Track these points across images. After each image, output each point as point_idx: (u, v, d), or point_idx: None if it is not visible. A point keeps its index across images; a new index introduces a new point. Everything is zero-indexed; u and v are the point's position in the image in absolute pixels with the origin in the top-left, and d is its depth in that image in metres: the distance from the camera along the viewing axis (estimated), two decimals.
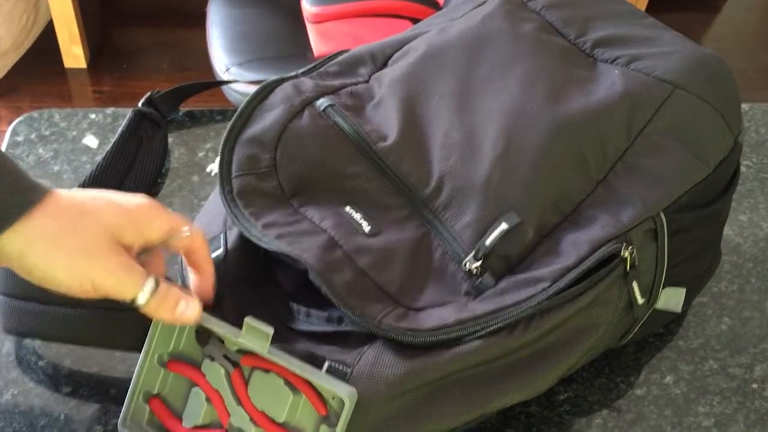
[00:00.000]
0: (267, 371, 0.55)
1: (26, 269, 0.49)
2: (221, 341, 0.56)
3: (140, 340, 0.60)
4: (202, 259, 0.56)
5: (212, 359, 0.57)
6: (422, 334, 0.55)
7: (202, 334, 0.57)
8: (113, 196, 0.52)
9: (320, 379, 0.53)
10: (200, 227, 0.65)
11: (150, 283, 0.51)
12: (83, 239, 0.49)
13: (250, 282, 0.62)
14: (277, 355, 0.53)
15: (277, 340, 0.58)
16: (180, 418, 0.57)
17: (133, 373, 0.65)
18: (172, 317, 0.53)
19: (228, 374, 0.56)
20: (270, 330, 0.53)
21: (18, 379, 0.64)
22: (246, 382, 0.56)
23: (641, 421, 0.65)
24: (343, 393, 0.52)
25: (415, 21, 1.49)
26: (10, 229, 0.47)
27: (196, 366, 0.57)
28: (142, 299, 0.51)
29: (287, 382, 0.54)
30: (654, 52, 0.66)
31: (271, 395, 0.55)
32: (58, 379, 0.64)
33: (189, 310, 0.53)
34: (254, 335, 0.53)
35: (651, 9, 2.45)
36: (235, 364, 0.56)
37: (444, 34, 0.69)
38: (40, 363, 0.65)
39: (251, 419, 0.55)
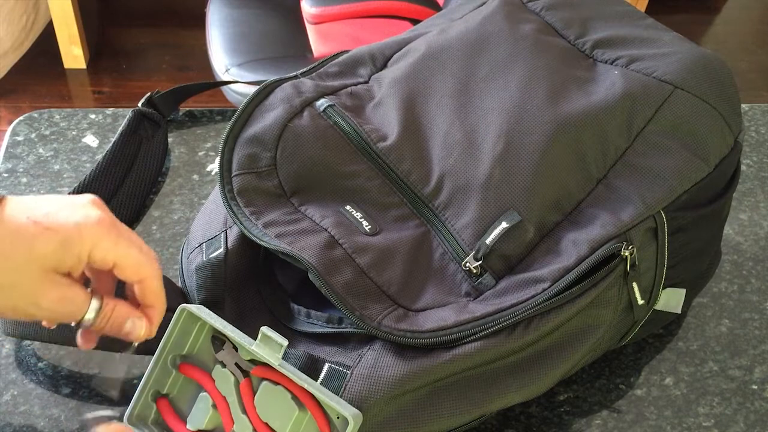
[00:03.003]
0: (276, 384, 0.55)
1: None
2: (235, 349, 0.57)
3: (141, 343, 0.60)
4: (151, 297, 0.53)
5: (223, 366, 0.57)
6: (422, 336, 0.54)
7: (217, 340, 0.57)
8: (57, 211, 0.48)
9: (327, 397, 0.53)
10: (200, 227, 0.65)
11: (94, 304, 0.50)
12: (13, 275, 0.46)
13: (250, 282, 0.62)
14: (287, 368, 0.54)
15: None
16: (185, 421, 0.57)
17: (133, 374, 0.65)
18: (119, 335, 0.52)
19: (237, 382, 0.56)
20: (284, 342, 0.53)
21: (18, 380, 0.64)
22: (254, 393, 0.56)
23: (641, 421, 0.65)
24: (348, 413, 0.52)
25: (414, 22, 1.49)
26: None
27: (207, 371, 0.57)
28: (86, 322, 0.50)
29: (294, 397, 0.54)
30: (654, 52, 0.66)
31: (277, 408, 0.55)
32: (57, 380, 0.64)
33: (136, 329, 0.52)
34: (268, 345, 0.54)
35: (651, 10, 2.45)
36: (246, 374, 0.56)
37: (444, 35, 0.69)
38: (40, 364, 0.65)
39: (254, 430, 0.55)
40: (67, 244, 0.47)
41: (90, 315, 0.50)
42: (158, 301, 0.53)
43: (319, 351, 0.58)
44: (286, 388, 0.55)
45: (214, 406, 0.57)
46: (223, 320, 0.56)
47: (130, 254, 0.50)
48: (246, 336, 0.55)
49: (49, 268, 0.47)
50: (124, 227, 0.51)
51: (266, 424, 0.55)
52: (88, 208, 0.49)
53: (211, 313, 0.57)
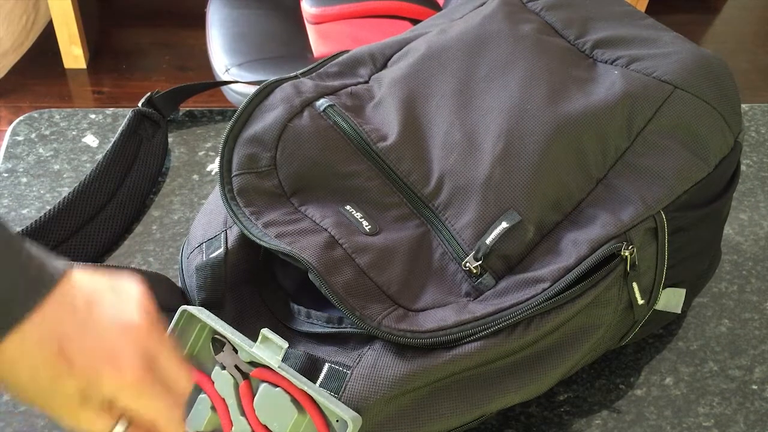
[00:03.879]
0: (275, 386, 0.55)
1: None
2: (235, 351, 0.56)
3: None
4: None
5: (223, 368, 0.57)
6: (422, 336, 0.54)
7: (217, 342, 0.57)
8: (94, 345, 0.45)
9: (326, 399, 0.53)
10: (200, 227, 0.65)
11: (119, 429, 0.46)
12: (51, 393, 0.44)
13: (251, 282, 0.62)
14: (287, 370, 0.54)
15: None
16: (184, 422, 0.57)
17: None
18: None
19: (236, 384, 0.56)
20: (284, 344, 0.53)
21: None
22: (253, 395, 0.56)
23: (641, 421, 0.65)
24: (347, 416, 0.52)
25: (414, 22, 1.49)
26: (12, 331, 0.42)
27: (207, 373, 0.57)
28: None
29: (293, 400, 0.54)
30: (654, 53, 0.66)
31: (276, 410, 0.55)
32: None
33: None
34: (268, 347, 0.54)
35: (651, 10, 2.45)
36: (245, 376, 0.56)
37: (444, 35, 0.69)
38: None
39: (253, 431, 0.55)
40: (87, 390, 0.45)
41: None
42: None
43: (319, 351, 0.58)
44: (286, 391, 0.54)
45: (213, 408, 0.57)
46: (223, 322, 0.56)
47: (150, 408, 0.47)
48: (246, 338, 0.55)
49: (85, 398, 0.45)
50: (162, 371, 0.47)
51: (265, 426, 0.55)
52: (130, 347, 0.46)
53: (211, 314, 0.57)
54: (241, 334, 0.55)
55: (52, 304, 0.44)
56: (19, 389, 0.44)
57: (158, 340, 0.47)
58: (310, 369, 0.56)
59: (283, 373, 0.53)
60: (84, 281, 0.46)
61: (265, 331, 0.54)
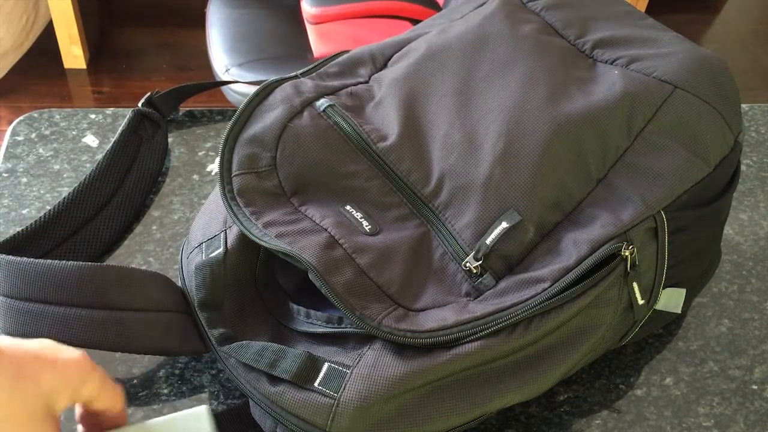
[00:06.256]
0: None
1: None
2: None
3: (140, 342, 0.60)
4: (116, 420, 0.56)
5: None
6: (422, 336, 0.54)
7: None
8: (48, 351, 0.51)
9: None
10: (200, 227, 0.65)
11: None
12: (19, 409, 0.48)
13: (250, 282, 0.62)
14: None
15: (277, 341, 0.59)
16: None
17: (132, 374, 0.65)
18: None
19: None
20: None
21: None
22: None
23: (641, 421, 0.65)
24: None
25: (414, 22, 1.50)
26: None
27: None
28: None
29: None
30: (654, 53, 0.66)
31: None
32: None
33: None
34: None
35: (651, 10, 2.45)
36: None
37: (444, 35, 0.69)
38: None
39: None
40: (66, 379, 0.50)
41: None
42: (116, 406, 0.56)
43: (319, 351, 0.58)
44: None
45: None
46: None
47: (109, 387, 0.53)
48: None
49: (48, 405, 0.49)
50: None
51: None
52: (73, 351, 0.52)
53: None
54: None
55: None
56: None
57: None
58: (309, 369, 0.56)
59: None
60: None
61: None
